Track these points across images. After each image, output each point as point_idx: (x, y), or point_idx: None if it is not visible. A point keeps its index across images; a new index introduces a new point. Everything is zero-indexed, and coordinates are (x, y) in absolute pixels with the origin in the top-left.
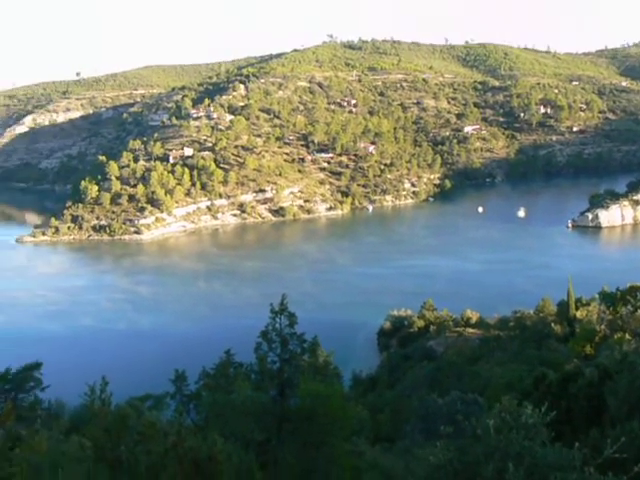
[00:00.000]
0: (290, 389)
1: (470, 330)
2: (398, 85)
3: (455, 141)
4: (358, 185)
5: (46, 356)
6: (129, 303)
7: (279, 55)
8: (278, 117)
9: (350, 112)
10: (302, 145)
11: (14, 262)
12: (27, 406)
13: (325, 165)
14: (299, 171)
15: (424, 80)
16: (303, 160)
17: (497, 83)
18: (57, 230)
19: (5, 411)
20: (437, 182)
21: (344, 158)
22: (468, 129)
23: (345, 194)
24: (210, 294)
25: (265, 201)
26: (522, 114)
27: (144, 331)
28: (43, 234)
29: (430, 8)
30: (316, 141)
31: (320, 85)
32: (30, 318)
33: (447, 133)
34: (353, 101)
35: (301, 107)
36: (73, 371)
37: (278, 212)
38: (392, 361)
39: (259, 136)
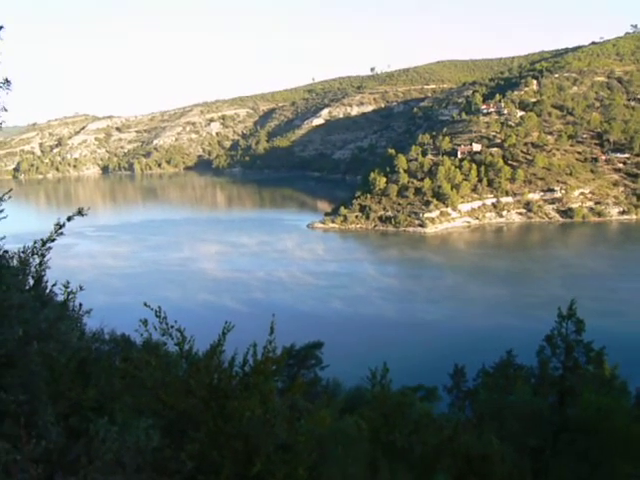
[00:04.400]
0: (571, 398)
1: None
2: None
3: None
4: None
5: (308, 335)
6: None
7: (575, 49)
8: (571, 114)
9: None
10: (596, 144)
11: (288, 245)
12: (307, 382)
13: (620, 166)
14: (591, 171)
15: None
16: (596, 160)
17: None
18: (345, 218)
19: (296, 384)
20: None
21: None
22: None
23: None
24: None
25: (553, 201)
26: None
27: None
28: (332, 222)
29: None
30: (612, 140)
31: (619, 80)
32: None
33: None
34: None
35: (597, 104)
36: (338, 352)
37: (566, 213)
38: None
39: (550, 133)
